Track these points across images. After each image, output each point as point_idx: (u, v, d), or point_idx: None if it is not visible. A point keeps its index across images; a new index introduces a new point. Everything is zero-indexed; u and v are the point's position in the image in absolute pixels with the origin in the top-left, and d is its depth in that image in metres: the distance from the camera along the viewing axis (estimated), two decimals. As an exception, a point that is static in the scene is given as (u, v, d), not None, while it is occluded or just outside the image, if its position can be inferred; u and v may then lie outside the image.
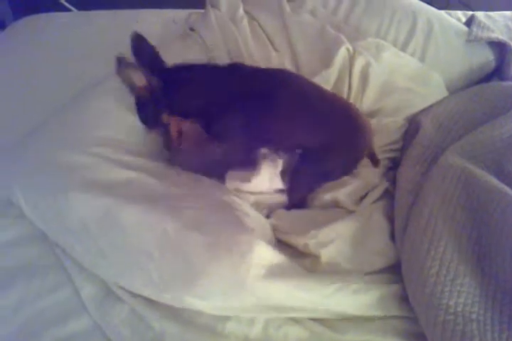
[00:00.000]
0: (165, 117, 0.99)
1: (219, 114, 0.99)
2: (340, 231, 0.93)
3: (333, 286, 0.81)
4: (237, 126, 0.99)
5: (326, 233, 0.93)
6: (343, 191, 1.03)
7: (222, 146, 0.99)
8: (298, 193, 1.04)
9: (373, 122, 1.17)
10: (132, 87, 0.90)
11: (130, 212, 0.84)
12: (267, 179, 1.03)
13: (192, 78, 1.00)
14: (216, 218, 0.87)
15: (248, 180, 1.01)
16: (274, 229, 0.97)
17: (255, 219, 0.94)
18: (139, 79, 0.90)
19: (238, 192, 1.01)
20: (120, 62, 0.84)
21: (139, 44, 0.96)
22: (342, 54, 1.19)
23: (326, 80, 1.18)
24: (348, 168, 1.07)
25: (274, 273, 0.81)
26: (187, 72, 1.00)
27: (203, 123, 1.01)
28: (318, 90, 1.06)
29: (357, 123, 1.05)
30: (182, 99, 0.99)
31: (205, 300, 0.80)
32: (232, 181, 1.01)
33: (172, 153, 1.02)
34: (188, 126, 0.99)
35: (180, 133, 0.99)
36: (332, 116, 1.02)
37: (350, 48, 1.21)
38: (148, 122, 1.00)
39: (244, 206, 0.95)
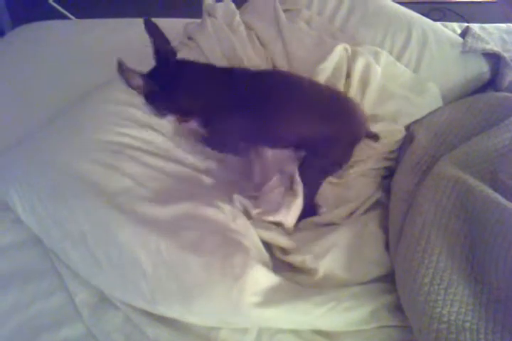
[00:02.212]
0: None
1: (217, 114, 1.01)
2: (334, 241, 0.93)
3: (325, 306, 0.81)
4: (235, 126, 1.01)
5: (321, 244, 0.93)
6: (336, 212, 1.03)
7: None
8: (311, 191, 1.04)
9: (379, 127, 1.14)
10: (133, 87, 0.93)
11: (128, 228, 0.84)
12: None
13: (191, 78, 1.01)
14: (213, 239, 0.86)
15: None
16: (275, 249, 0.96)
17: (252, 241, 0.91)
18: (137, 81, 0.92)
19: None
20: (120, 66, 0.87)
21: (154, 30, 1.01)
22: (338, 51, 1.18)
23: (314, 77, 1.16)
24: (349, 154, 1.08)
25: (268, 299, 0.81)
26: (187, 71, 1.01)
27: (201, 122, 1.03)
28: (311, 83, 1.09)
29: (352, 110, 1.07)
30: (180, 99, 1.00)
31: (198, 316, 0.81)
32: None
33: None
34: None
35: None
36: (329, 107, 1.05)
37: (348, 48, 1.20)
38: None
39: (242, 226, 0.92)
